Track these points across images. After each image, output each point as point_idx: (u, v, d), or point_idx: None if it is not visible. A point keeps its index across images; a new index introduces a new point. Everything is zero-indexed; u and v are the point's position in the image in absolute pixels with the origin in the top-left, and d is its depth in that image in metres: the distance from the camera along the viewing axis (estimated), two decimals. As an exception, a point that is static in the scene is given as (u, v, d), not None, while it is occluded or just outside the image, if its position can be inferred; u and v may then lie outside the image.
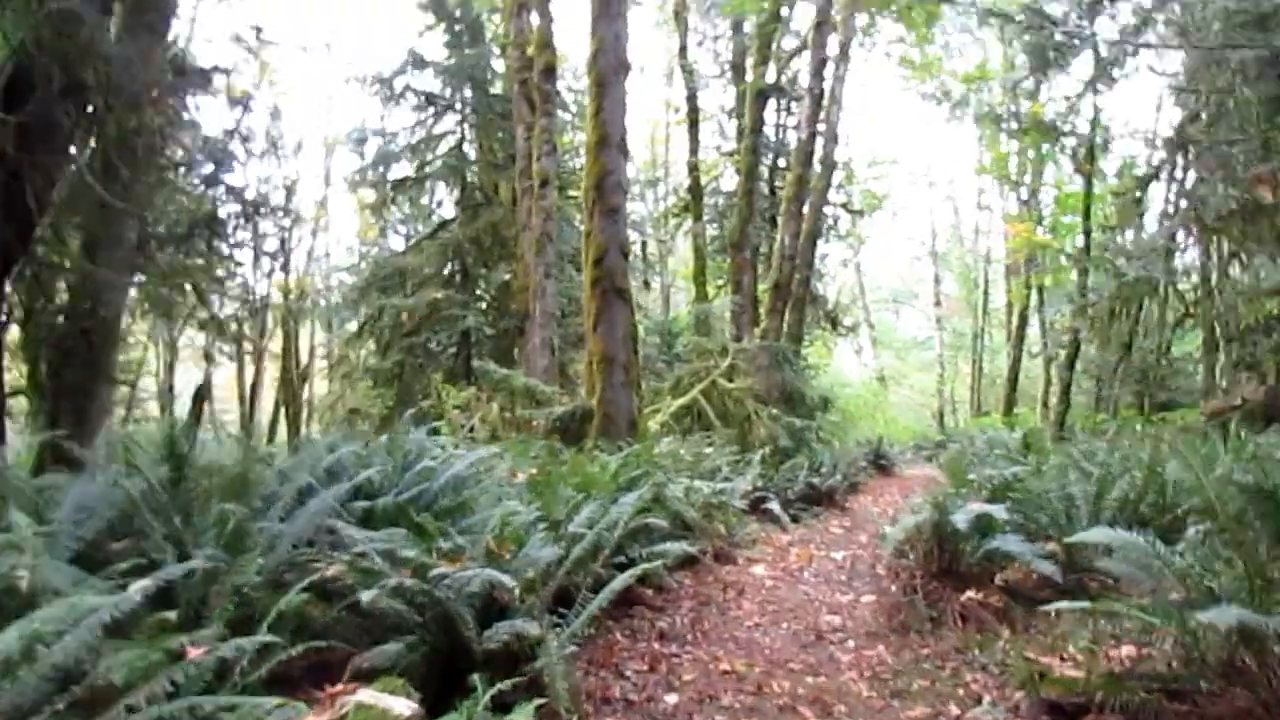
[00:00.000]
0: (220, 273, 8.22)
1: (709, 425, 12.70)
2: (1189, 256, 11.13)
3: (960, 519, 4.17)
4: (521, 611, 3.31)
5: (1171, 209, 15.04)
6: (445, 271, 17.58)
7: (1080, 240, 18.34)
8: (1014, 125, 19.36)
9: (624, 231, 10.73)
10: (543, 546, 3.87)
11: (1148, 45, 12.62)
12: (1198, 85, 13.21)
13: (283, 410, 24.53)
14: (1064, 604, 2.94)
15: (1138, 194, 13.43)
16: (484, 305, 17.84)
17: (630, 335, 10.51)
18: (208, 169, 7.59)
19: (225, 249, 8.54)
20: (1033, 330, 28.26)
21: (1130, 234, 14.15)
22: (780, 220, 17.25)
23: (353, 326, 19.20)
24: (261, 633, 2.60)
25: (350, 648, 3.03)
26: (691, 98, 23.30)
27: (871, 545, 9.22)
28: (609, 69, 10.54)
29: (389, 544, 3.36)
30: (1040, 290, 24.20)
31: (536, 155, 15.62)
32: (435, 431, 11.01)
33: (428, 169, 17.93)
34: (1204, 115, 13.72)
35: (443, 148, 18.05)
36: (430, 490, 4.55)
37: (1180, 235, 11.35)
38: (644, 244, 24.29)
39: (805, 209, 16.77)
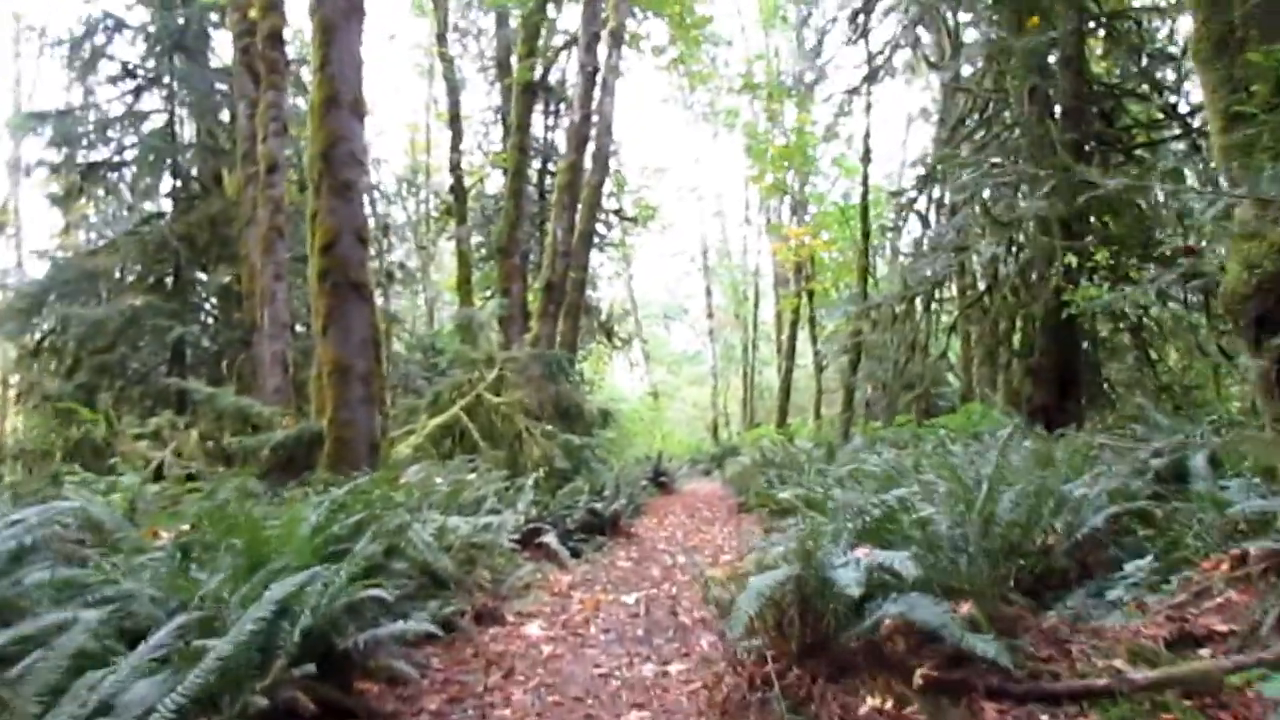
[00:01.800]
0: None
1: (474, 447, 10.90)
2: (981, 254, 10.79)
3: (847, 577, 2.74)
4: None
5: (941, 212, 15.00)
6: (152, 276, 14.54)
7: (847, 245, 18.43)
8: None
9: (361, 213, 8.75)
10: (118, 686, 1.99)
11: (917, 39, 12.29)
12: (969, 84, 13.12)
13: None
14: None
15: (915, 194, 13.18)
16: (203, 315, 14.96)
17: (371, 339, 8.54)
18: None
19: None
20: (800, 341, 28.62)
21: (908, 236, 13.97)
22: (553, 213, 15.76)
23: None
24: None
25: None
26: (453, 91, 21.44)
27: (665, 580, 7.82)
28: (337, 12, 8.56)
29: None
30: (810, 297, 24.35)
31: (262, 136, 13.19)
32: (111, 471, 8.48)
33: (127, 153, 14.84)
34: (975, 116, 13.69)
35: (148, 128, 15.03)
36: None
37: (968, 234, 10.99)
38: (382, 233, 21.75)
39: (579, 204, 15.41)
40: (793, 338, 26.10)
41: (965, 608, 2.98)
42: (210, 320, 15.05)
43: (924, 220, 13.95)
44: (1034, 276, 11.74)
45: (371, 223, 23.12)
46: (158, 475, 8.50)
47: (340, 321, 8.30)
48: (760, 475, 11.95)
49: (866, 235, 15.76)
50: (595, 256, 24.23)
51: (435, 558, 5.60)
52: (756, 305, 32.34)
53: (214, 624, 2.81)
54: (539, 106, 22.90)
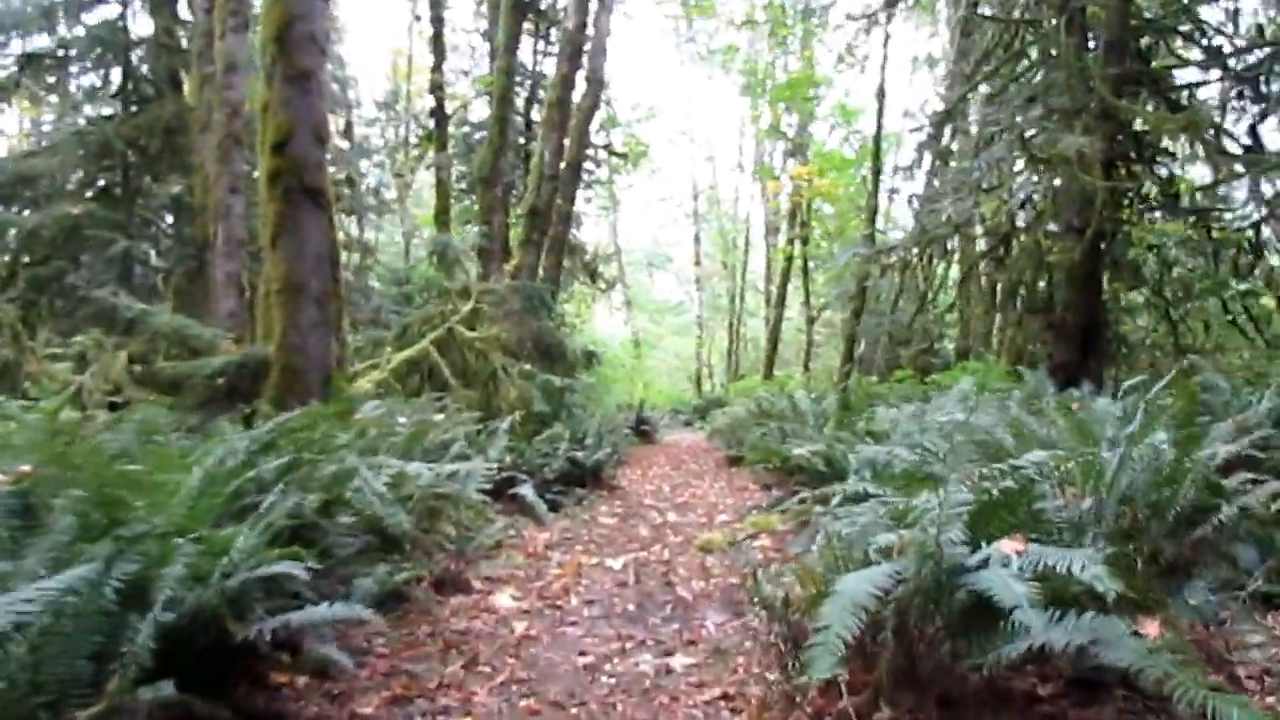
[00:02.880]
0: None
1: (444, 385, 9.88)
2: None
3: (1011, 592, 1.76)
4: None
5: (952, 156, 14.00)
6: (96, 183, 13.19)
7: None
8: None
9: (320, 108, 7.57)
10: None
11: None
12: (998, 14, 12.00)
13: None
14: None
15: (932, 132, 12.10)
16: (153, 230, 13.66)
17: (327, 255, 7.44)
18: None
19: None
20: (789, 292, 27.56)
21: (917, 181, 12.87)
22: (540, 132, 14.44)
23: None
24: None
25: None
26: (435, 5, 19.86)
27: (656, 542, 6.92)
28: None
29: None
30: (804, 245, 23.23)
31: (220, 31, 11.86)
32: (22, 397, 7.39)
33: (74, 47, 13.38)
34: (1000, 52, 12.59)
35: (96, 19, 13.56)
36: None
37: (999, 172, 9.94)
38: (342, 132, 20.29)
39: (569, 127, 14.16)
40: (783, 287, 25.05)
41: (1151, 627, 2.03)
42: (161, 236, 13.77)
43: (941, 160, 12.92)
44: (1064, 223, 10.78)
45: (341, 138, 21.75)
46: (79, 402, 7.41)
47: (292, 232, 7.18)
48: (756, 428, 11.02)
49: (878, 173, 14.65)
50: (581, 194, 23.03)
51: (388, 512, 4.61)
52: (747, 253, 31.19)
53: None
54: (529, 29, 21.47)
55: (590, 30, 14.49)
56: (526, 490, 7.63)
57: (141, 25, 14.53)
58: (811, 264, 23.41)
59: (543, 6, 21.82)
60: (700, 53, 32.47)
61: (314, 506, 4.02)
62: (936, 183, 12.51)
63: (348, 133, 22.91)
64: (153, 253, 13.29)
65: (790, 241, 24.37)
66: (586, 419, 10.45)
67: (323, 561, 3.72)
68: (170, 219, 13.71)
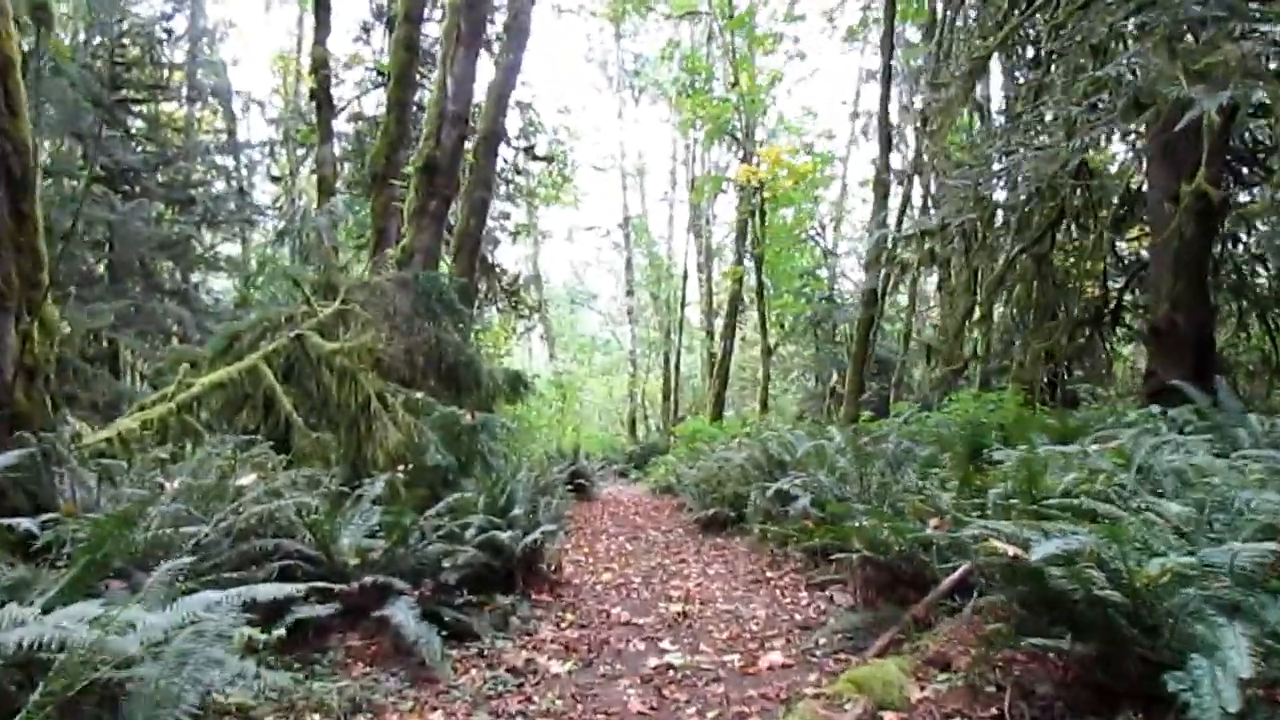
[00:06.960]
0: None
1: (284, 423, 6.24)
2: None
3: None
4: None
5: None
6: None
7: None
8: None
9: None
10: None
11: None
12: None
13: None
14: None
15: (962, 85, 9.10)
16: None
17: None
18: None
19: None
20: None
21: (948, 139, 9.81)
22: (440, 51, 10.48)
23: None
24: None
25: None
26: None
27: (650, 702, 3.39)
28: None
29: None
30: (759, 264, 20.05)
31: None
32: None
33: None
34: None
35: None
36: None
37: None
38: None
39: (490, 87, 10.39)
40: (733, 315, 21.80)
41: None
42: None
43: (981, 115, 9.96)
44: (1159, 190, 7.87)
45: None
46: None
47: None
48: (761, 482, 7.61)
49: (888, 143, 11.56)
50: (499, 206, 19.58)
51: None
52: (685, 281, 27.94)
53: None
54: (433, 13, 18.10)
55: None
56: (401, 612, 4.05)
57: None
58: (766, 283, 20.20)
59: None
60: (627, 63, 29.84)
61: None
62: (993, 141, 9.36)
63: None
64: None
65: (739, 261, 21.21)
66: (510, 475, 6.84)
67: None
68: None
